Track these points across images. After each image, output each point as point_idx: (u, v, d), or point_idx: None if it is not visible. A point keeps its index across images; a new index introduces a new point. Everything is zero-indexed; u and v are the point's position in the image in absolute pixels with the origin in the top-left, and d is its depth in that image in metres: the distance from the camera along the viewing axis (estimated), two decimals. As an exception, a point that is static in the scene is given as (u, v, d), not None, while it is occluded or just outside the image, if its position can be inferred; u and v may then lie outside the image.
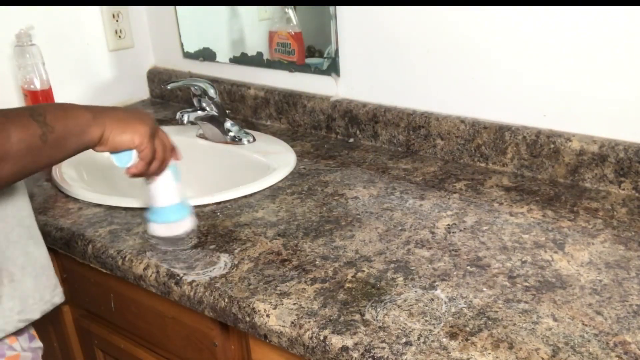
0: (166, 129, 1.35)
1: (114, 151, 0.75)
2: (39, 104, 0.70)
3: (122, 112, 0.76)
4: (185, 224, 0.87)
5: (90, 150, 0.74)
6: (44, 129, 0.64)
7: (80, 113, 0.70)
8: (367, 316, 0.67)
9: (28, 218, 0.76)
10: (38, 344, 0.79)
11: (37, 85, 1.29)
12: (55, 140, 0.65)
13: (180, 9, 1.49)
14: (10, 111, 0.64)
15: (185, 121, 1.19)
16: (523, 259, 0.77)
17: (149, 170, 0.78)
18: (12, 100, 1.33)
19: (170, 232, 0.86)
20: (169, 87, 1.22)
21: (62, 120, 0.67)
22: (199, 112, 1.20)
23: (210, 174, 1.24)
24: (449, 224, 0.87)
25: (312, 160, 1.14)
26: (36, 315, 0.75)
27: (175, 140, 1.30)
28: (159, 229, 0.86)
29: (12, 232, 0.73)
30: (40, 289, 0.76)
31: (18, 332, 0.75)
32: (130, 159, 0.76)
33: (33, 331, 0.79)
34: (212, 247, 0.85)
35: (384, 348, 0.62)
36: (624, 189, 0.93)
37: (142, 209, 0.97)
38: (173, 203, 0.85)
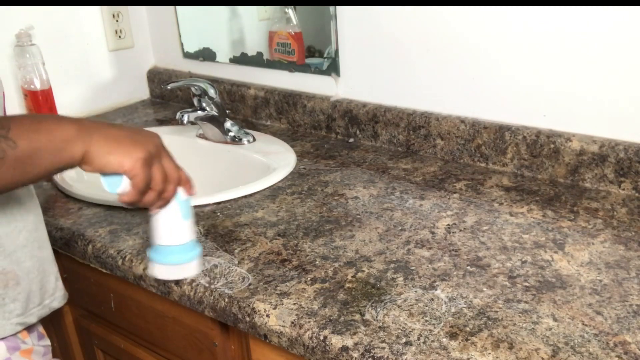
0: (166, 129, 1.36)
1: (102, 173, 0.65)
2: (10, 115, 0.61)
3: (116, 130, 0.65)
4: (189, 269, 0.76)
5: None
6: (2, 144, 0.56)
7: (60, 127, 0.61)
8: (367, 316, 0.67)
9: (36, 222, 0.75)
10: (46, 341, 0.79)
11: (37, 85, 1.29)
12: (17, 158, 0.57)
13: (180, 9, 1.49)
14: None
15: (185, 121, 1.19)
16: (523, 259, 0.77)
17: (142, 200, 0.68)
18: (12, 100, 1.33)
19: (170, 276, 0.76)
20: (169, 87, 1.22)
21: (30, 135, 0.58)
22: (199, 112, 1.20)
23: (210, 174, 1.24)
24: (449, 224, 0.87)
25: (312, 160, 1.14)
26: (33, 319, 0.75)
27: (175, 140, 1.31)
28: (159, 270, 0.76)
29: (20, 235, 0.72)
30: (42, 293, 0.76)
31: (29, 329, 0.75)
32: (119, 184, 0.66)
33: (41, 329, 0.79)
34: (212, 247, 0.85)
35: (384, 348, 0.62)
36: (624, 189, 0.93)
37: (143, 209, 0.97)
38: (178, 243, 0.74)
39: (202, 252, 0.78)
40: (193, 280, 0.77)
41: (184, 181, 0.71)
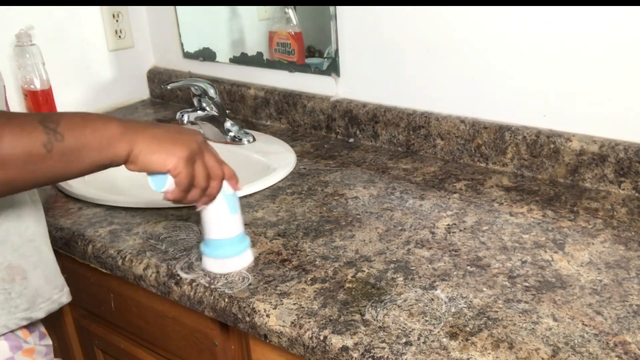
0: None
1: (147, 172, 0.67)
2: (62, 112, 0.62)
3: (160, 130, 0.67)
4: (240, 261, 0.78)
5: None
6: (50, 136, 0.57)
7: (107, 125, 0.62)
8: (367, 316, 0.67)
9: (41, 216, 0.76)
10: (48, 341, 0.79)
11: (37, 85, 1.29)
12: (63, 151, 0.58)
13: (180, 9, 1.49)
14: (18, 115, 0.59)
15: (185, 121, 1.19)
16: (523, 259, 0.77)
17: (187, 197, 0.69)
18: (12, 100, 1.33)
19: (222, 269, 0.78)
20: (169, 87, 1.22)
21: (77, 130, 0.60)
22: (199, 112, 1.20)
23: (210, 174, 1.24)
24: (449, 224, 0.87)
25: (312, 160, 1.14)
26: (41, 314, 0.75)
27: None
28: (210, 263, 0.78)
29: (27, 230, 0.72)
30: (49, 288, 0.76)
31: (30, 329, 0.75)
32: (164, 183, 0.67)
33: (43, 329, 0.79)
34: (212, 247, 0.85)
35: (384, 348, 0.62)
36: (624, 189, 0.93)
37: (143, 209, 0.97)
38: (227, 237, 0.76)
39: (250, 244, 0.80)
40: (193, 280, 0.77)
41: (229, 176, 0.73)
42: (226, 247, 0.77)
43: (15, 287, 0.71)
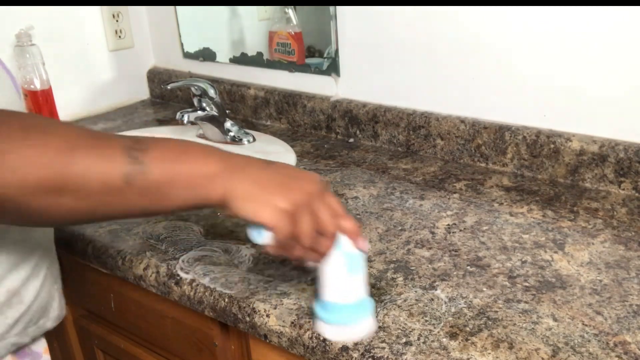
0: (166, 129, 1.36)
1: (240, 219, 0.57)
2: (158, 139, 0.54)
3: (268, 172, 0.56)
4: (358, 329, 0.64)
5: None
6: (133, 167, 0.49)
7: (206, 161, 0.53)
8: (367, 316, 0.67)
9: (51, 240, 0.75)
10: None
11: (37, 85, 1.29)
12: (145, 186, 0.50)
13: (180, 9, 1.49)
14: (103, 135, 0.51)
15: (185, 121, 1.19)
16: (523, 259, 0.77)
17: (291, 254, 0.59)
18: (12, 100, 1.33)
19: (337, 336, 0.64)
20: (169, 87, 1.22)
21: (168, 164, 0.51)
22: (199, 112, 1.20)
23: (210, 174, 1.24)
24: (449, 224, 0.87)
25: (312, 160, 1.14)
26: (27, 339, 0.72)
27: (175, 140, 1.31)
28: (323, 327, 0.65)
29: (34, 254, 0.70)
30: (41, 313, 0.73)
31: (19, 353, 0.74)
32: (263, 234, 0.57)
33: (37, 347, 0.77)
34: (212, 247, 0.85)
35: (384, 348, 0.62)
36: (624, 189, 0.93)
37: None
38: (344, 301, 0.63)
39: (374, 310, 0.67)
40: (193, 280, 0.77)
41: (350, 232, 0.60)
42: (342, 312, 0.63)
43: (10, 312, 0.68)
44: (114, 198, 0.50)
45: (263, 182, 0.55)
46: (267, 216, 0.55)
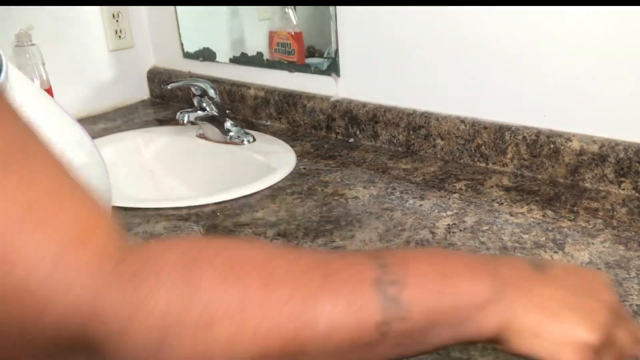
0: (166, 129, 1.36)
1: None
2: (401, 255, 0.40)
3: (551, 289, 0.41)
4: None
5: None
6: (389, 312, 0.36)
7: (474, 284, 0.39)
8: (367, 316, 0.67)
9: None
10: None
11: (37, 85, 1.29)
12: (403, 333, 0.37)
13: (180, 9, 1.49)
14: (348, 261, 0.38)
15: (185, 121, 1.19)
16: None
17: None
18: (12, 100, 1.33)
19: None
20: (169, 87, 1.22)
21: (430, 298, 0.38)
22: (199, 112, 1.20)
23: (210, 174, 1.24)
24: (449, 224, 0.87)
25: (312, 160, 1.14)
26: None
27: (175, 140, 1.31)
28: None
29: None
30: None
31: None
32: None
33: None
34: (212, 247, 0.85)
35: (384, 348, 0.62)
36: (624, 189, 0.93)
37: (143, 209, 0.97)
38: None
39: None
40: (193, 280, 0.77)
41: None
42: None
43: None
44: (359, 354, 0.36)
45: (552, 306, 0.40)
46: (568, 356, 0.39)
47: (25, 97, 0.45)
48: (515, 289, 0.40)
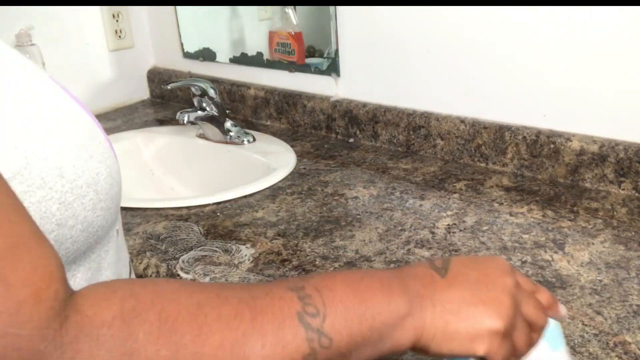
0: (166, 129, 1.36)
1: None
2: (317, 284, 0.42)
3: (461, 289, 0.44)
4: None
5: None
6: (315, 344, 0.39)
7: (388, 303, 0.42)
8: (367, 316, 0.67)
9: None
10: None
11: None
12: (329, 359, 0.40)
13: (180, 9, 1.49)
14: (267, 304, 0.39)
15: (185, 121, 1.19)
16: (523, 259, 0.77)
17: None
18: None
19: None
20: (169, 87, 1.22)
21: (350, 325, 0.40)
22: (199, 112, 1.20)
23: (210, 174, 1.24)
24: (449, 224, 0.87)
25: (312, 160, 1.14)
26: None
27: (175, 140, 1.31)
28: None
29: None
30: None
31: None
32: None
33: None
34: (212, 247, 0.85)
35: (384, 348, 0.62)
36: (624, 189, 0.93)
37: (143, 209, 0.97)
38: None
39: None
40: (193, 280, 0.77)
41: (549, 305, 0.50)
42: None
43: None
44: None
45: (455, 308, 0.44)
46: (483, 348, 0.43)
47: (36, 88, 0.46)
48: (424, 300, 0.43)
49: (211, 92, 1.20)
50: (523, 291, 0.47)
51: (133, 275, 0.61)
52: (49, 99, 0.46)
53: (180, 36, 1.52)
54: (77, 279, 0.47)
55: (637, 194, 0.92)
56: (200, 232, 0.89)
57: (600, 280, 0.72)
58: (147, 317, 0.35)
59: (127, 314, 0.35)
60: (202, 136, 1.27)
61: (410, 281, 0.44)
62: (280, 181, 1.05)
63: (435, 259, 0.46)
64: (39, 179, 0.41)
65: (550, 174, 1.00)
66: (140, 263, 0.83)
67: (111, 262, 0.51)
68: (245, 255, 0.82)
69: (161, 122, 1.43)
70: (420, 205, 0.93)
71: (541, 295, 0.49)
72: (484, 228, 0.85)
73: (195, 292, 0.39)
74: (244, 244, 0.84)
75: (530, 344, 0.47)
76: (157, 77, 1.59)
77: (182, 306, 0.37)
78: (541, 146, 0.99)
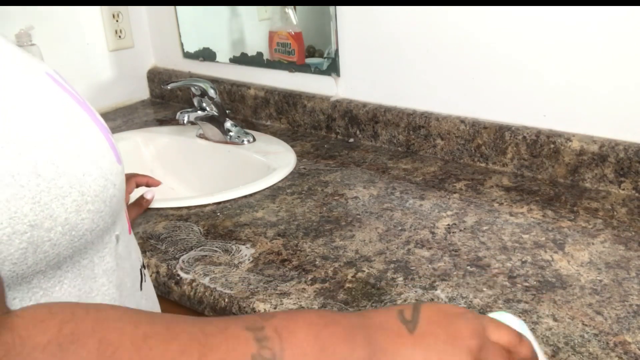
0: (166, 129, 1.36)
1: None
2: (275, 326, 0.39)
3: (420, 352, 0.42)
4: None
5: None
6: None
7: (349, 357, 0.40)
8: (367, 316, 0.67)
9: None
10: None
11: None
12: None
13: (180, 9, 1.49)
14: (226, 336, 0.38)
15: (185, 121, 1.19)
16: (523, 259, 0.77)
17: None
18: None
19: None
20: (169, 87, 1.22)
21: None
22: (199, 112, 1.20)
23: (210, 174, 1.24)
24: (449, 224, 0.87)
25: (312, 160, 1.14)
26: None
27: (175, 140, 1.31)
28: None
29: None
30: None
31: None
32: None
33: None
34: (212, 247, 0.85)
35: (384, 348, 0.62)
36: (624, 189, 0.93)
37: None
38: None
39: None
40: (193, 280, 0.77)
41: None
42: None
43: None
44: None
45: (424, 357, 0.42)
46: None
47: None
48: (386, 355, 0.42)
49: (211, 92, 1.20)
50: (490, 354, 0.45)
51: (149, 285, 0.58)
52: (28, 90, 0.44)
53: (180, 36, 1.52)
54: (65, 286, 0.44)
55: (637, 194, 0.92)
56: (200, 232, 0.89)
57: (600, 280, 0.72)
58: (86, 344, 0.33)
59: (63, 338, 0.33)
60: (202, 136, 1.27)
61: (377, 333, 0.43)
62: (280, 181, 1.05)
63: (404, 308, 0.45)
64: (8, 176, 0.38)
65: (550, 174, 1.00)
66: (140, 263, 0.83)
67: (108, 270, 0.48)
68: (245, 255, 0.82)
69: (161, 122, 1.43)
70: (420, 205, 0.93)
71: (522, 348, 0.46)
72: (484, 228, 0.85)
73: (142, 323, 0.36)
74: (244, 244, 0.84)
75: None
76: (157, 77, 1.59)
77: (126, 336, 0.35)
78: (541, 146, 0.99)
